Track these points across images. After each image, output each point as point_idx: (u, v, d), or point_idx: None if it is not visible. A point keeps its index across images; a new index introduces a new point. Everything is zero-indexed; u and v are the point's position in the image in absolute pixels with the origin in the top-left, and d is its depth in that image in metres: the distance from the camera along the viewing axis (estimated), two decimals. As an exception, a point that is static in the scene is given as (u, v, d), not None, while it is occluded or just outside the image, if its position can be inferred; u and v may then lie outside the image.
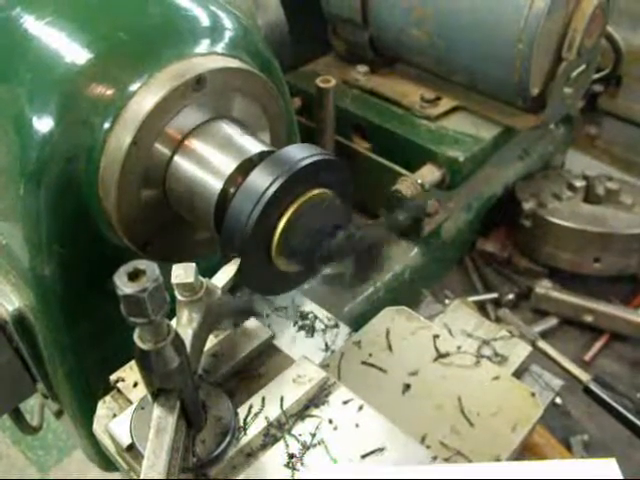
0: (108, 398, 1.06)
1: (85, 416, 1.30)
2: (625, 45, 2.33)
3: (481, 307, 2.24)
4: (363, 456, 0.92)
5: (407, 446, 0.94)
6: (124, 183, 1.05)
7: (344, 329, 1.24)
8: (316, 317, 1.26)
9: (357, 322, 1.29)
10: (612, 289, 2.27)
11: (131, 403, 1.02)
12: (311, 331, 1.24)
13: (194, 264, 0.89)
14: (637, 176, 2.76)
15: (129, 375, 1.05)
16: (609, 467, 0.85)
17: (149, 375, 0.80)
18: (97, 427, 1.02)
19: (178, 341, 0.78)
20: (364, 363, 1.15)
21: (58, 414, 1.55)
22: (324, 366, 1.13)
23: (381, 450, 0.92)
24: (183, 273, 0.88)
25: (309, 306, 1.28)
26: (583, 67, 2.00)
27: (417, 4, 1.96)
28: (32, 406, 1.69)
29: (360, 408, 0.98)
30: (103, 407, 1.05)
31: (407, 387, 1.12)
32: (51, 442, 2.21)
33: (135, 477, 0.95)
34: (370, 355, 1.17)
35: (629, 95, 2.83)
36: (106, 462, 1.43)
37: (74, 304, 1.20)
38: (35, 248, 1.12)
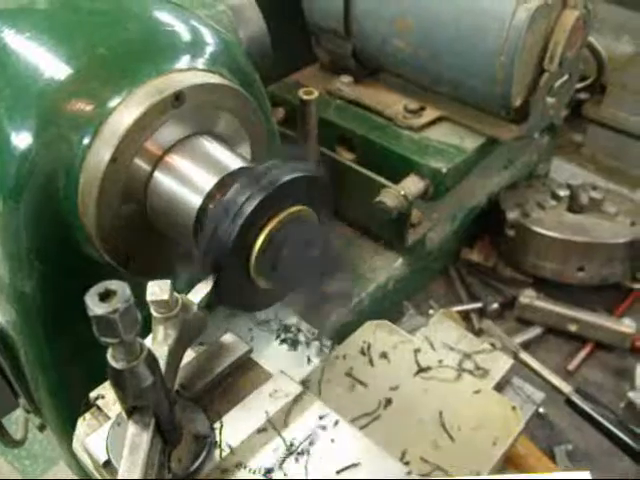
0: (88, 415, 1.05)
1: (68, 432, 1.29)
2: (608, 53, 2.34)
3: (465, 317, 2.24)
4: (338, 471, 0.92)
5: (382, 461, 0.94)
6: (104, 199, 1.04)
7: (326, 342, 1.24)
8: (299, 330, 1.26)
9: (341, 333, 1.29)
10: (596, 298, 2.27)
11: (111, 420, 1.01)
12: (294, 344, 1.24)
13: (169, 281, 0.89)
14: (621, 184, 2.77)
15: (109, 392, 1.05)
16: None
17: (123, 393, 0.80)
18: (77, 445, 1.02)
19: (151, 359, 0.78)
20: (345, 377, 1.15)
21: (41, 428, 1.55)
22: (306, 381, 1.13)
23: (356, 465, 0.92)
24: (158, 290, 0.88)
25: (292, 319, 1.28)
26: (566, 77, 2.01)
27: (399, 15, 1.96)
28: (17, 417, 1.69)
29: (336, 423, 0.98)
30: (83, 425, 1.04)
31: (388, 402, 1.12)
32: (38, 452, 2.20)
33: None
34: (351, 369, 1.17)
35: (613, 102, 2.85)
36: (88, 477, 1.42)
37: (55, 320, 1.20)
38: (15, 264, 1.12)
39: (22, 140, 1.04)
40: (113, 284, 0.70)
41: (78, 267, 1.15)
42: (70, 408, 1.28)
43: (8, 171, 1.05)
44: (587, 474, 0.88)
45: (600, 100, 2.89)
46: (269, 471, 0.93)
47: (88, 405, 1.07)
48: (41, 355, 1.24)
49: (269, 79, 1.60)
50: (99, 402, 1.05)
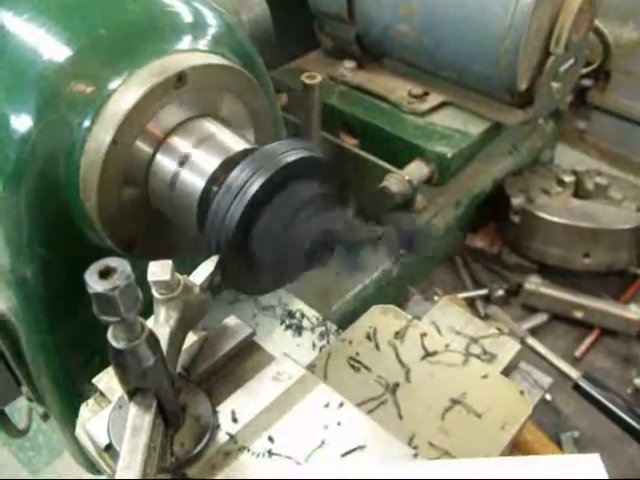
0: (91, 401, 1.04)
1: (70, 419, 1.28)
2: (614, 39, 2.33)
3: (471, 303, 2.23)
4: (344, 454, 0.90)
5: (388, 444, 0.93)
6: (105, 182, 1.03)
7: (332, 327, 1.23)
8: (303, 315, 1.25)
9: (345, 319, 1.28)
10: (602, 284, 2.26)
11: (115, 405, 1.00)
12: (298, 330, 1.23)
13: (170, 261, 0.88)
14: (625, 170, 2.76)
15: (112, 378, 1.04)
16: (593, 462, 0.84)
17: (124, 374, 0.79)
18: (80, 431, 1.01)
19: (153, 339, 0.77)
20: (351, 362, 1.14)
21: (45, 417, 1.53)
22: (311, 366, 1.12)
23: (362, 448, 0.91)
24: (159, 270, 0.87)
25: (297, 304, 1.27)
26: (571, 62, 1.99)
27: (403, 0, 1.94)
28: (21, 407, 1.68)
29: (340, 405, 0.97)
30: (86, 410, 1.03)
31: (395, 386, 1.10)
32: (41, 443, 2.20)
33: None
34: (357, 354, 1.15)
35: (618, 89, 2.83)
36: (91, 465, 1.41)
37: (57, 306, 1.18)
38: (16, 249, 1.11)
39: (22, 123, 1.02)
40: (113, 261, 0.68)
41: (79, 252, 1.12)
42: (73, 395, 1.27)
43: (8, 155, 1.03)
44: (597, 457, 0.87)
45: (604, 87, 2.87)
46: (272, 454, 0.91)
47: (92, 391, 1.06)
48: (43, 341, 1.23)
49: (272, 65, 1.59)
50: (102, 387, 1.04)
